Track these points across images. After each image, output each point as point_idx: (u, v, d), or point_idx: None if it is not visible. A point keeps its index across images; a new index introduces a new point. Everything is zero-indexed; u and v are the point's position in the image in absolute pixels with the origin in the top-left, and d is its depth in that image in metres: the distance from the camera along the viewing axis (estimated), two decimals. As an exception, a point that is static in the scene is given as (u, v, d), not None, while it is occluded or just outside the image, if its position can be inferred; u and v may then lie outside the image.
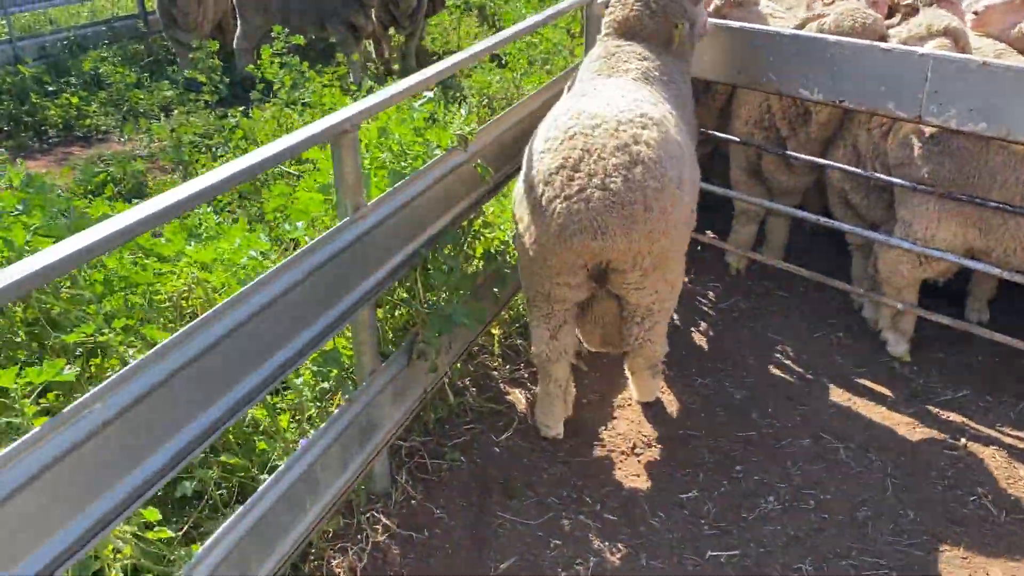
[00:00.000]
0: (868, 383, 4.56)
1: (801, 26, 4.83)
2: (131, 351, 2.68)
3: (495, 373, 4.48)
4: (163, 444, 2.29)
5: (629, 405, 4.32)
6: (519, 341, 4.65)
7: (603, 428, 4.19)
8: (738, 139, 5.14)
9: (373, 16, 9.93)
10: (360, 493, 3.55)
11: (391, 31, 10.19)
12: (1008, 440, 4.11)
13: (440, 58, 9.96)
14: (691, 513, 3.69)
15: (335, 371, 3.27)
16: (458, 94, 9.11)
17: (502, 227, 4.56)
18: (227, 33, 10.75)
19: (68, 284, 2.98)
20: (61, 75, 9.41)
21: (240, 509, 2.68)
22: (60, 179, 6.50)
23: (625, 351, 3.96)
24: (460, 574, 3.35)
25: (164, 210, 2.20)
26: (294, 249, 3.48)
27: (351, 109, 2.96)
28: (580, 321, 3.87)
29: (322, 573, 3.25)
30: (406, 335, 3.70)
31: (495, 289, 4.17)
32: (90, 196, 6.18)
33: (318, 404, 3.41)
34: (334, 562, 3.30)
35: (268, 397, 3.22)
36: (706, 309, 5.25)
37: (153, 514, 2.40)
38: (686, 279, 5.18)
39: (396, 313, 3.71)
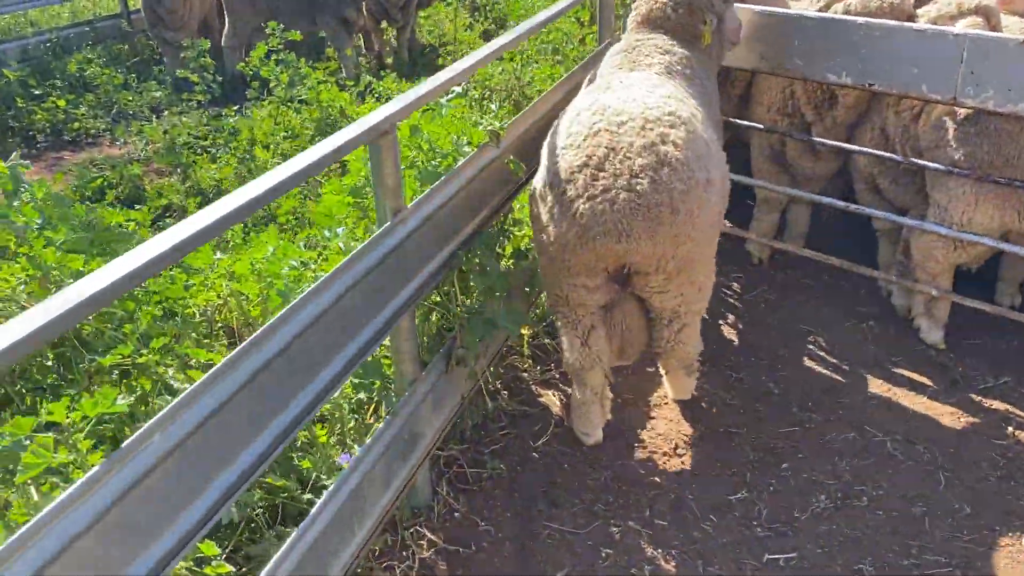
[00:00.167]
0: (905, 372, 4.46)
1: (826, 8, 4.70)
2: (170, 371, 2.52)
3: (525, 375, 4.34)
4: (221, 473, 2.14)
5: (666, 403, 4.20)
6: (547, 340, 4.51)
7: (642, 429, 4.06)
8: (762, 126, 5.01)
9: (364, 9, 9.74)
10: (402, 507, 3.41)
11: (383, 24, 9.98)
12: (1056, 427, 4.02)
13: (434, 51, 9.79)
14: (742, 515, 3.57)
15: (378, 383, 3.12)
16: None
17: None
18: (213, 31, 10.51)
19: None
20: (46, 78, 9.15)
21: (292, 536, 2.53)
22: (53, 185, 6.29)
23: (656, 352, 3.83)
24: (511, 589, 3.22)
25: (215, 223, 2.04)
26: (320, 257, 3.32)
27: (389, 108, 2.80)
28: None
29: (369, 594, 3.12)
30: (441, 341, 3.56)
31: (526, 288, 4.03)
32: (88, 202, 5.99)
33: (355, 416, 3.26)
34: (381, 581, 3.17)
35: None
36: (732, 301, 5.14)
37: (211, 548, 2.26)
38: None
39: (432, 318, 3.55)
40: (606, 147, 3.19)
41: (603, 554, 3.37)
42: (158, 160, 7.03)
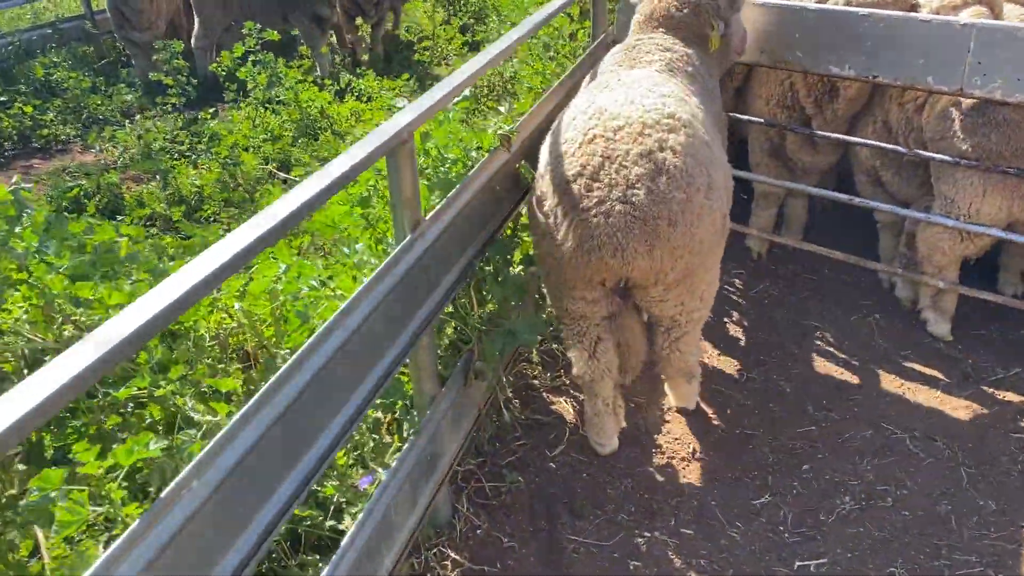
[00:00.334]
0: (916, 366, 4.42)
1: (826, -1, 4.64)
2: (189, 402, 2.38)
3: (535, 382, 4.24)
4: (258, 512, 2.02)
5: (681, 409, 4.11)
6: (555, 346, 4.41)
7: (658, 434, 3.98)
8: (762, 120, 4.94)
9: (337, 6, 9.54)
10: (424, 528, 3.29)
11: (357, 21, 9.78)
12: (1071, 418, 4.01)
13: (410, 47, 9.62)
14: (768, 520, 3.51)
15: (400, 403, 3.00)
16: (434, 82, 8.81)
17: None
18: (180, 31, 10.24)
19: (94, 319, 2.65)
20: (10, 83, 8.85)
21: (325, 572, 2.41)
22: (26, 195, 6.07)
23: (653, 360, 3.74)
24: (541, 608, 3.13)
25: (254, 243, 1.91)
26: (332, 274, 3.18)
27: (406, 116, 2.67)
28: None
29: (395, 620, 3.00)
30: (456, 354, 3.44)
31: (536, 296, 3.93)
32: (66, 214, 5.77)
33: (373, 437, 3.13)
34: (406, 607, 3.05)
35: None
36: (736, 298, 5.07)
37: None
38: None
39: (446, 330, 3.43)
40: (601, 155, 3.04)
41: (631, 567, 3.28)
42: (134, 167, 6.81)
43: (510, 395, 4.04)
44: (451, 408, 3.21)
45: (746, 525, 3.48)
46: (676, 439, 3.93)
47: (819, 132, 4.76)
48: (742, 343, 4.67)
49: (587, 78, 4.13)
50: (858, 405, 4.14)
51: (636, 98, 3.23)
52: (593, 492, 3.63)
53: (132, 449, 1.86)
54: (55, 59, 9.50)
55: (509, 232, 3.68)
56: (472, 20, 9.68)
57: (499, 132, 3.40)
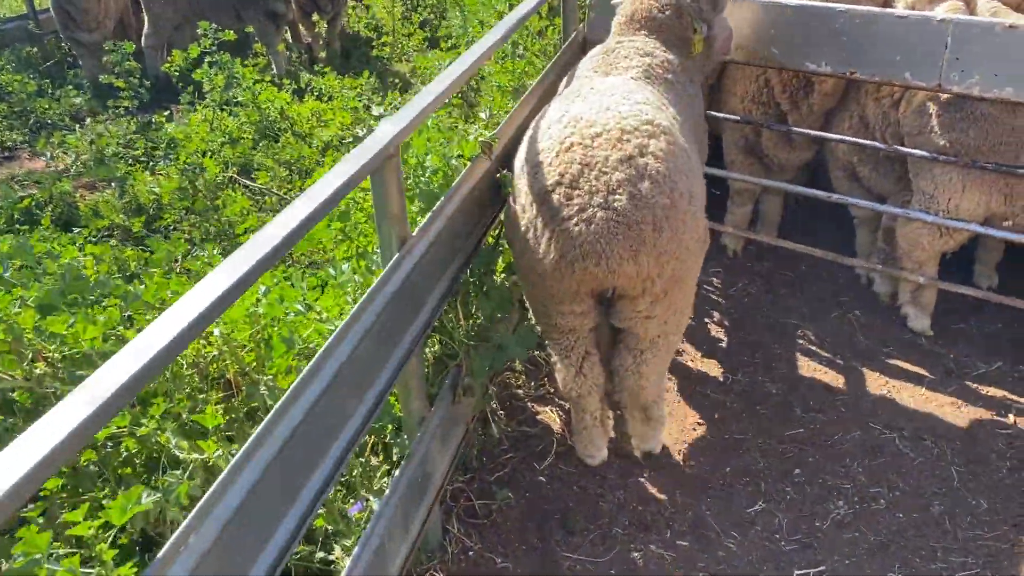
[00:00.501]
0: (899, 363, 4.42)
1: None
2: (172, 440, 2.23)
3: (520, 391, 4.14)
4: (258, 557, 1.89)
5: (670, 413, 4.05)
6: (538, 353, 4.31)
7: (647, 441, 3.90)
8: (738, 118, 4.88)
9: (292, 2, 9.30)
10: (416, 553, 3.18)
11: (313, 17, 9.56)
12: (1055, 411, 4.03)
13: (369, 43, 9.42)
14: (764, 529, 3.46)
15: (390, 427, 2.87)
16: (396, 80, 8.64)
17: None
18: (128, 30, 9.92)
19: (67, 353, 2.48)
20: (-50, 87, 8.48)
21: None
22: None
23: (612, 385, 3.50)
24: (540, 630, 3.04)
25: (239, 281, 1.77)
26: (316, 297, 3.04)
27: (390, 128, 2.54)
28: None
29: (391, 651, 2.88)
30: (442, 369, 3.33)
31: (521, 306, 3.82)
32: (17, 227, 5.52)
33: (360, 460, 3.01)
34: (401, 636, 2.94)
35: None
36: (715, 297, 5.02)
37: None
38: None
39: (433, 346, 3.31)
40: (580, 163, 2.93)
41: (629, 583, 3.21)
42: (88, 174, 6.54)
43: (495, 406, 3.94)
44: (440, 427, 3.10)
45: (742, 534, 3.43)
46: (666, 446, 3.86)
47: (796, 129, 4.72)
48: (724, 344, 4.62)
49: (564, 81, 4.03)
50: (845, 405, 4.11)
51: (612, 105, 3.13)
52: (585, 505, 3.54)
53: (125, 508, 1.72)
54: (-2, 61, 9.13)
55: (491, 241, 3.56)
56: (432, 16, 9.50)
57: (480, 139, 3.28)
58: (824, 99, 4.67)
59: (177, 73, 7.42)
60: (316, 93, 7.40)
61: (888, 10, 4.20)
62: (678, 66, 3.72)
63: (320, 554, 2.73)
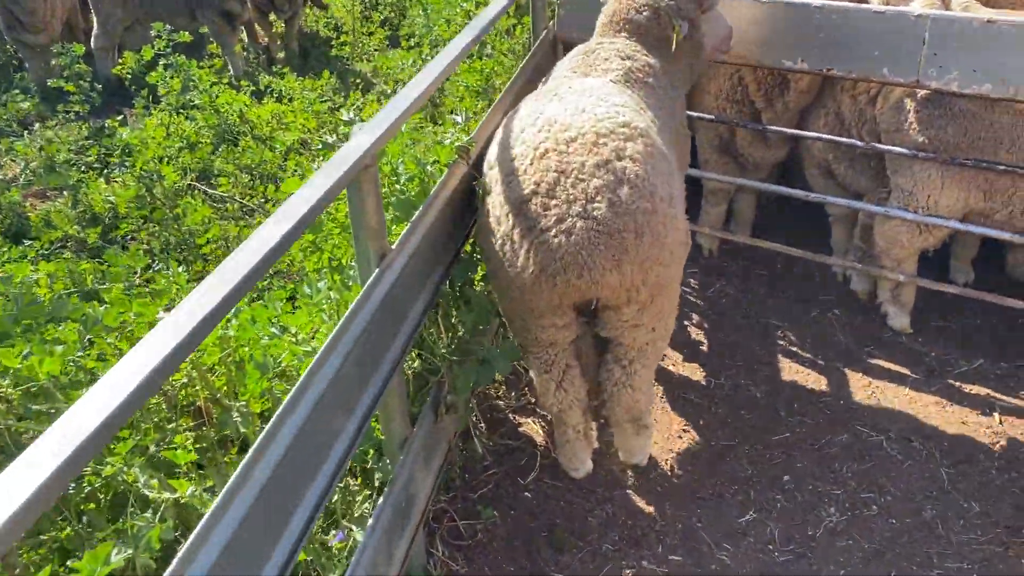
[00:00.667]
0: (881, 362, 4.37)
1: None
2: (141, 478, 2.06)
3: (500, 403, 4.01)
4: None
5: (654, 420, 3.94)
6: (518, 362, 4.18)
7: (632, 451, 3.80)
8: (712, 117, 4.79)
9: (248, 1, 9.05)
10: (399, 579, 3.04)
11: (270, 17, 9.31)
12: (1038, 409, 4.00)
13: (327, 43, 9.20)
14: (756, 540, 3.37)
15: (371, 451, 2.73)
16: (357, 80, 8.43)
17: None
18: (76, 32, 9.59)
19: (23, 390, 2.30)
20: None
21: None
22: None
23: (601, 401, 3.38)
24: (532, 656, 2.92)
25: (216, 309, 1.62)
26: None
27: (366, 137, 2.39)
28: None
29: None
30: (422, 385, 3.18)
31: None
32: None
33: (338, 486, 2.85)
34: (387, 669, 2.80)
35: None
36: (694, 299, 4.94)
37: None
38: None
39: (413, 362, 3.16)
40: (555, 170, 2.80)
41: (622, 603, 3.10)
42: (38, 182, 6.27)
43: (476, 419, 3.81)
44: (423, 448, 2.96)
45: (734, 546, 3.34)
46: (652, 456, 3.75)
47: (772, 128, 4.65)
48: (705, 347, 4.53)
49: (542, 84, 3.89)
50: (830, 408, 4.05)
51: (587, 107, 3.00)
52: (573, 521, 3.43)
53: (93, 572, 1.56)
54: (-62, 65, 8.76)
55: (469, 249, 3.43)
56: (393, 14, 9.31)
57: (457, 144, 3.14)
58: (800, 96, 4.61)
59: (129, 76, 7.17)
60: (276, 95, 7.19)
61: (865, 6, 4.14)
62: (659, 70, 3.58)
63: (302, 588, 2.57)
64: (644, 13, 3.64)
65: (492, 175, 3.04)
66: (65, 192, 5.97)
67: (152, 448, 2.27)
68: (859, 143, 4.37)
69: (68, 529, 2.20)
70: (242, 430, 2.48)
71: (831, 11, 4.13)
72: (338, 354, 2.20)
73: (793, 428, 3.93)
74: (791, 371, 4.32)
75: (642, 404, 3.32)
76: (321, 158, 3.25)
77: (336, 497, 2.84)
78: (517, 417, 3.96)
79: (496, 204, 2.94)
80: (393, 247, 2.59)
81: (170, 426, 2.36)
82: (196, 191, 5.83)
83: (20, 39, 8.68)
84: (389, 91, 7.07)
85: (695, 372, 4.31)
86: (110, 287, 3.37)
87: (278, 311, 2.56)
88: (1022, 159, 3.96)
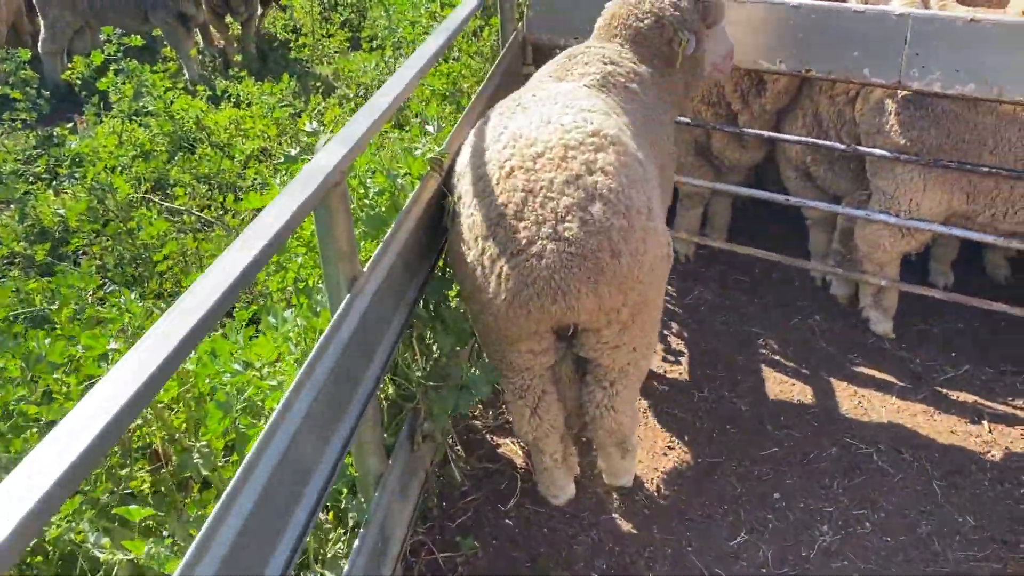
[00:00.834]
0: (866, 370, 4.26)
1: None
2: (91, 537, 1.86)
3: (477, 422, 3.84)
4: None
5: (638, 437, 3.79)
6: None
7: (616, 471, 3.65)
8: (688, 120, 4.65)
9: (203, 3, 8.76)
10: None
11: (226, 19, 9.03)
12: (1027, 415, 3.92)
13: (290, 46, 8.95)
14: (749, 563, 3.23)
15: (344, 491, 2.54)
16: (318, 84, 8.20)
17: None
18: (22, 35, 9.24)
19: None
20: None
21: None
22: None
23: (583, 424, 3.23)
24: None
25: (176, 351, 1.44)
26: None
27: (334, 152, 2.21)
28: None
29: None
30: (396, 412, 3.00)
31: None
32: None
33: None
34: None
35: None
36: (672, 307, 4.80)
37: None
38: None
39: (387, 388, 2.97)
40: (523, 189, 2.62)
41: (613, 636, 2.95)
42: (-19, 195, 5.95)
43: (452, 442, 3.63)
44: (399, 481, 2.78)
45: (726, 570, 3.20)
46: (637, 476, 3.60)
47: (749, 131, 4.53)
48: (686, 357, 4.39)
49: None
50: (817, 420, 3.93)
51: (553, 117, 2.82)
52: (557, 549, 3.26)
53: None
54: None
55: (443, 264, 3.24)
56: (353, 15, 9.07)
57: (429, 156, 2.96)
58: (777, 98, 4.49)
59: (80, 81, 6.87)
60: (233, 100, 6.94)
61: (845, 4, 4.03)
62: (647, 78, 3.38)
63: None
64: (646, 21, 3.43)
65: (459, 193, 2.86)
66: (12, 205, 5.67)
67: (104, 498, 2.06)
68: (839, 146, 4.26)
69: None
70: (204, 472, 2.27)
71: (809, 11, 4.02)
72: (307, 394, 2.02)
73: (780, 442, 3.80)
74: (775, 381, 4.19)
75: (626, 427, 3.15)
76: (284, 172, 3.05)
77: (309, 539, 2.65)
78: (495, 437, 3.79)
79: (465, 227, 2.75)
80: (364, 269, 2.41)
81: (123, 471, 2.15)
82: (151, 203, 5.57)
83: (-38, 44, 8.32)
84: (351, 95, 6.85)
85: (677, 384, 4.17)
86: (60, 309, 3.16)
87: (240, 343, 2.36)
88: (1006, 161, 3.87)
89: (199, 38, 9.42)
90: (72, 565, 2.01)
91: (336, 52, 8.67)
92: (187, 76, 8.56)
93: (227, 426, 2.26)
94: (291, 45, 8.85)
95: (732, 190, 4.78)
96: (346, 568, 2.37)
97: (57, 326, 2.89)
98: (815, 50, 4.06)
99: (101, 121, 6.53)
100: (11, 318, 3.76)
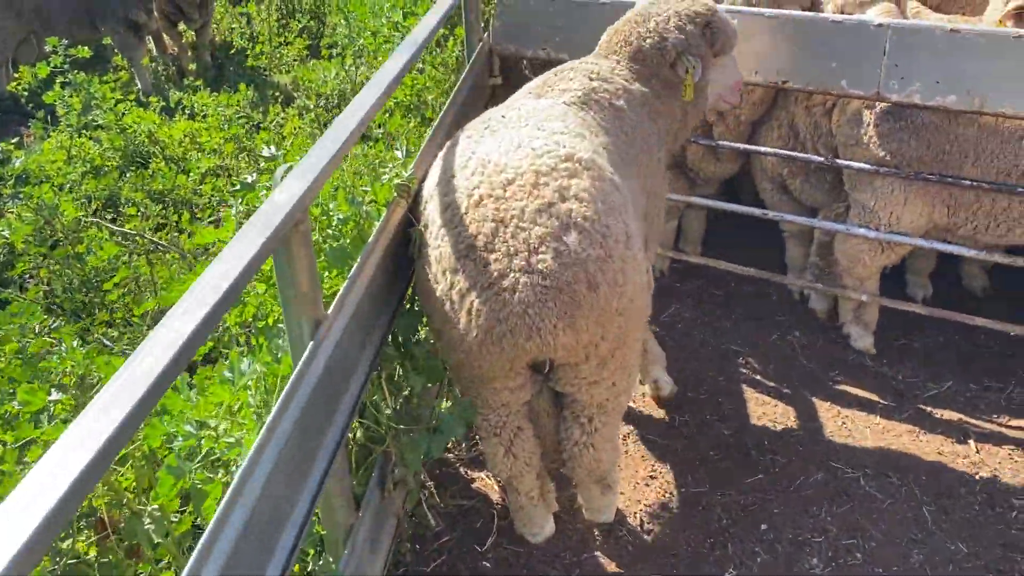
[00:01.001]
0: (848, 388, 4.16)
1: (722, -1, 4.26)
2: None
3: (450, 455, 3.66)
4: None
5: (618, 468, 3.64)
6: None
7: (597, 504, 3.49)
8: (662, 131, 4.52)
9: (155, 10, 8.46)
10: None
11: (179, 26, 8.74)
12: (1013, 434, 3.83)
13: (247, 54, 8.68)
14: (739, 600, 3.10)
15: (312, 551, 2.34)
16: (276, 93, 7.95)
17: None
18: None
19: None
20: None
21: None
22: None
23: (561, 460, 3.04)
24: None
25: (117, 434, 1.25)
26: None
27: (294, 187, 2.02)
28: None
29: None
30: (366, 456, 2.81)
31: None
32: None
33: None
34: None
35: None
36: (648, 324, 4.65)
37: None
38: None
39: (355, 432, 2.77)
40: (493, 219, 2.45)
41: None
42: (-79, 217, 5.64)
43: (424, 478, 3.44)
44: (370, 533, 2.59)
45: (716, 610, 3.06)
46: (620, 509, 3.45)
47: (724, 144, 4.40)
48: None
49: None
50: (801, 443, 3.81)
51: (523, 141, 2.65)
52: (539, 592, 3.10)
53: None
54: None
55: (412, 298, 3.06)
56: (313, 22, 8.82)
57: (396, 182, 2.77)
58: (753, 109, 4.38)
59: (26, 92, 6.58)
60: (188, 112, 6.68)
61: (822, 15, 3.92)
62: (639, 99, 3.20)
63: None
64: (648, 41, 3.27)
65: (426, 222, 2.68)
66: (-47, 227, 5.37)
67: (42, 578, 1.85)
68: (817, 159, 4.15)
69: None
70: (155, 539, 2.07)
71: (786, 21, 3.90)
72: (269, 456, 1.83)
73: (766, 468, 3.67)
74: (757, 402, 4.07)
75: (605, 464, 2.98)
76: (240, 202, 2.84)
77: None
78: (470, 471, 3.61)
79: (432, 259, 2.57)
80: (329, 312, 2.22)
81: (65, 544, 1.94)
82: (102, 226, 5.29)
83: (-100, 55, 7.95)
84: (312, 105, 6.63)
85: (656, 408, 4.03)
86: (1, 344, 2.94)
87: (192, 400, 2.15)
88: (988, 173, 3.79)
89: (152, 46, 9.11)
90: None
91: (295, 60, 8.42)
92: (140, 86, 8.27)
93: (181, 488, 2.06)
94: (248, 53, 8.58)
95: (708, 204, 4.64)
96: (314, 639, 2.18)
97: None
98: (792, 61, 3.94)
99: (48, 136, 6.24)
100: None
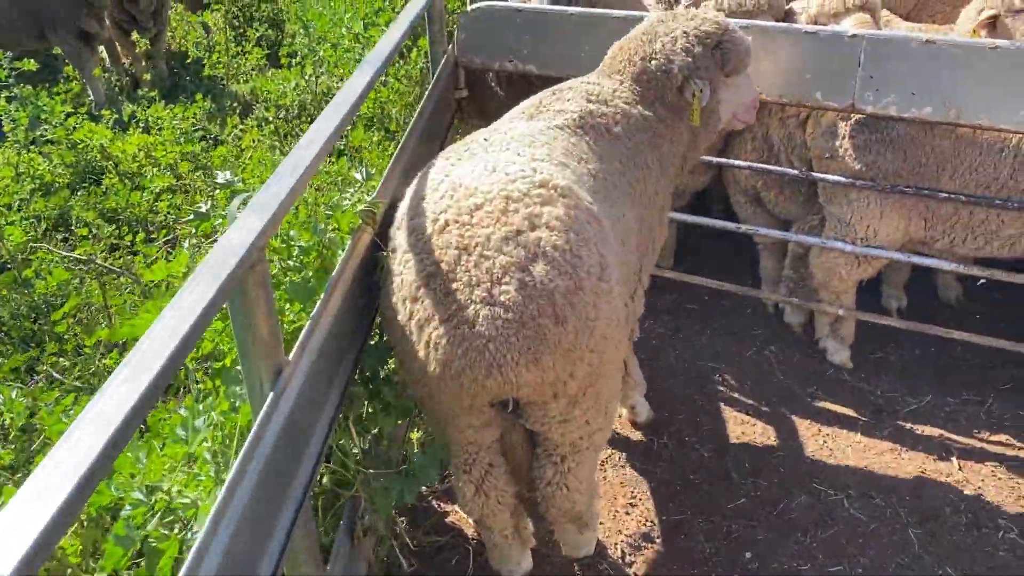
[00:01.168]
0: (826, 404, 4.08)
1: (695, 6, 4.16)
2: None
3: (423, 489, 3.50)
4: None
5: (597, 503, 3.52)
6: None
7: (576, 535, 3.36)
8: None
9: (107, 19, 8.19)
10: None
11: (133, 35, 8.48)
12: (994, 449, 3.78)
13: (203, 63, 8.44)
14: (725, 636, 2.99)
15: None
16: (234, 104, 7.73)
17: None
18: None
19: None
20: None
21: None
22: None
23: (535, 499, 2.86)
24: None
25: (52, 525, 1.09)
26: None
27: (250, 225, 1.86)
28: None
29: None
30: (333, 501, 2.65)
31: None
32: None
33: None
34: None
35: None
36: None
37: None
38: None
39: (321, 480, 2.62)
40: (456, 247, 2.32)
41: None
42: None
43: (395, 515, 3.29)
44: (340, 584, 2.44)
45: (703, 647, 2.95)
46: (600, 540, 3.32)
47: (703, 158, 4.30)
48: (646, 397, 4.14)
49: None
50: (783, 464, 3.72)
51: (500, 165, 2.50)
52: (518, 634, 2.97)
53: None
54: None
55: (379, 332, 2.90)
56: (271, 30, 8.60)
57: (361, 208, 2.62)
58: (725, 121, 4.27)
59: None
60: (142, 125, 6.45)
61: (795, 26, 3.84)
62: (640, 122, 3.04)
63: None
64: (654, 62, 3.08)
65: (394, 247, 2.52)
66: None
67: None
68: (792, 172, 4.07)
69: None
70: (105, 609, 1.90)
71: (758, 31, 3.80)
72: (229, 520, 1.67)
73: (748, 493, 3.57)
74: (736, 422, 3.97)
75: (580, 505, 2.83)
76: (194, 232, 2.67)
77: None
78: (443, 504, 3.47)
79: (395, 287, 2.42)
80: (291, 356, 2.06)
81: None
82: (51, 250, 5.06)
83: None
84: (271, 117, 6.43)
85: (634, 431, 3.91)
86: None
87: (142, 461, 1.99)
88: (966, 185, 3.73)
89: (104, 56, 8.83)
90: None
91: (253, 70, 8.21)
92: (92, 98, 8.00)
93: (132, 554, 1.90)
94: (205, 62, 8.35)
95: (683, 219, 4.54)
96: None
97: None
98: (765, 73, 3.84)
99: (-6, 152, 5.99)
100: None
